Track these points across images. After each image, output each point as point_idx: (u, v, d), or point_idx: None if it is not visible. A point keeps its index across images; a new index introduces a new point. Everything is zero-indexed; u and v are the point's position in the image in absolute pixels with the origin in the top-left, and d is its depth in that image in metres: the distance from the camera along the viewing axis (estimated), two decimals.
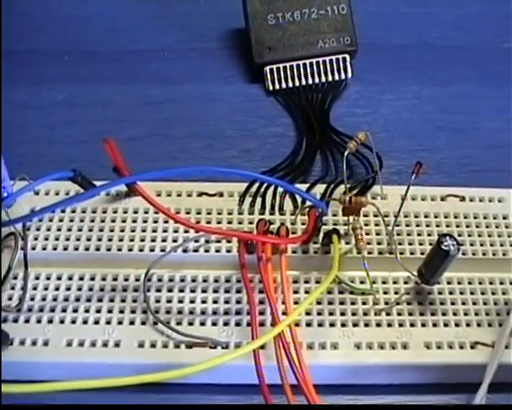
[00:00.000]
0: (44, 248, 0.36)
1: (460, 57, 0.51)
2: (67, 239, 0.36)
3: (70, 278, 0.35)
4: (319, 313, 0.34)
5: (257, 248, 0.34)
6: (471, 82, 0.49)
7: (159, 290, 0.35)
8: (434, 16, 0.54)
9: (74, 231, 0.37)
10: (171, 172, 0.33)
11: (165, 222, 0.37)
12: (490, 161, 0.44)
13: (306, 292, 0.35)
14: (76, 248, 0.36)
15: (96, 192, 0.37)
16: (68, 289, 0.35)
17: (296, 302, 0.35)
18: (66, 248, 0.36)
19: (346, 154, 0.36)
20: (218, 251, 0.36)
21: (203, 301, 0.35)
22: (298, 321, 0.34)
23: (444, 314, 0.35)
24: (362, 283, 0.36)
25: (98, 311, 0.34)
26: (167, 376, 0.29)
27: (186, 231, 0.37)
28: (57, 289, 0.35)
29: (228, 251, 0.36)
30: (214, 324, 0.34)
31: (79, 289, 0.35)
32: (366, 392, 0.34)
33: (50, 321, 0.34)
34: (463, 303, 0.35)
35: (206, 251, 0.36)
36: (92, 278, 0.35)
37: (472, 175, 0.43)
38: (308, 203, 0.37)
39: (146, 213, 0.37)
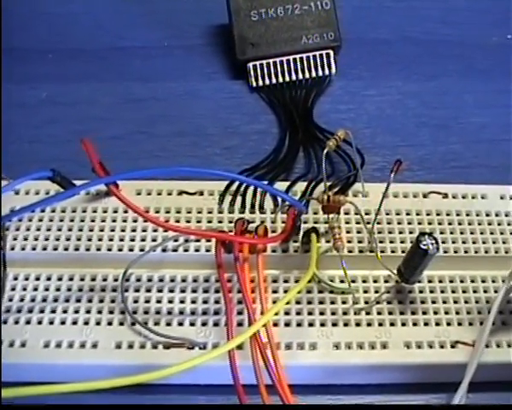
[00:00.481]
0: (23, 249, 0.36)
1: (445, 52, 0.51)
2: (47, 239, 0.36)
3: (48, 279, 0.35)
4: (298, 313, 0.34)
5: (234, 248, 0.34)
6: (456, 77, 0.49)
7: (137, 290, 0.35)
8: (420, 10, 0.54)
9: (54, 231, 0.36)
10: (148, 172, 0.32)
11: (145, 221, 0.37)
12: (474, 157, 0.44)
13: (286, 291, 0.35)
14: (55, 249, 0.36)
15: (75, 192, 0.37)
16: (47, 289, 0.35)
17: (275, 302, 0.34)
18: (45, 249, 0.36)
19: (325, 152, 0.36)
20: (197, 250, 0.36)
21: (181, 301, 0.35)
22: (276, 321, 0.34)
23: (424, 313, 0.35)
24: (342, 282, 0.35)
25: (76, 311, 0.34)
26: (142, 378, 0.29)
27: (165, 231, 0.36)
28: (35, 289, 0.35)
29: (207, 250, 0.36)
30: (192, 324, 0.34)
31: (58, 289, 0.35)
32: (346, 392, 0.34)
33: (28, 322, 0.34)
34: (444, 302, 0.35)
35: (186, 250, 0.36)
36: (71, 279, 0.35)
37: (456, 171, 0.43)
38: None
39: (126, 212, 0.37)
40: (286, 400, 0.30)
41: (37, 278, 0.35)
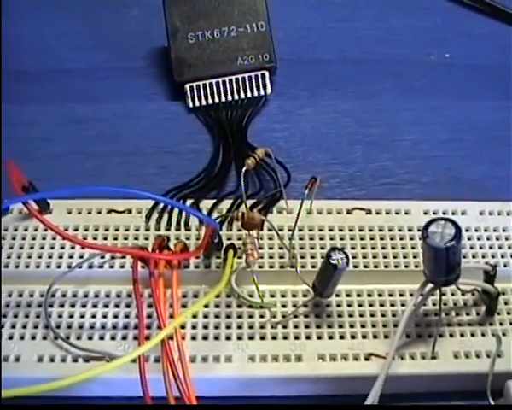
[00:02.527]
0: None
1: (384, 71, 0.52)
2: None
3: None
4: (216, 327, 0.35)
5: (149, 264, 0.35)
6: (393, 95, 0.50)
7: (62, 306, 0.36)
8: (360, 31, 0.55)
9: None
10: (68, 191, 0.33)
11: None
12: (405, 173, 0.45)
13: (206, 307, 0.36)
14: None
15: None
16: None
17: (195, 316, 0.36)
18: None
19: (243, 170, 0.37)
20: (122, 267, 0.37)
21: (104, 316, 0.36)
22: (194, 335, 0.35)
23: (341, 327, 0.36)
24: (261, 297, 0.36)
25: (1, 327, 0.35)
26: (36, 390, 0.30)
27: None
28: None
29: (132, 267, 0.36)
30: (113, 338, 0.35)
31: None
32: (264, 402, 0.34)
33: None
34: (361, 315, 0.36)
35: (111, 267, 0.37)
36: None
37: (386, 187, 0.44)
38: None
39: None
40: None
41: None
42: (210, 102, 0.48)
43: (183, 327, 0.35)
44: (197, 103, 0.48)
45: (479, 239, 0.39)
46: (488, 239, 0.39)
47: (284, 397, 0.35)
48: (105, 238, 0.38)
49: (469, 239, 0.39)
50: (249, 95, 0.48)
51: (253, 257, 0.35)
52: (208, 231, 0.36)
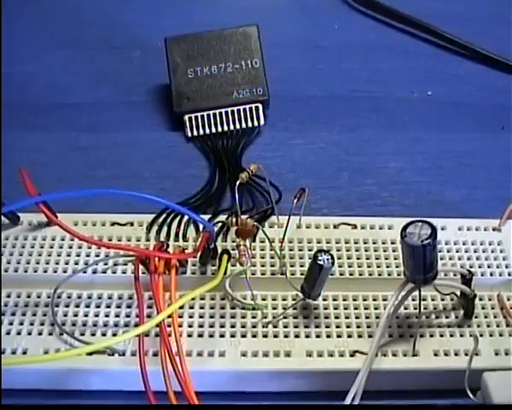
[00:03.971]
0: None
1: (369, 107, 0.55)
2: None
3: None
4: (211, 326, 0.38)
5: (150, 265, 0.37)
6: (377, 128, 0.53)
7: (67, 306, 0.38)
8: (348, 71, 0.58)
9: None
10: (79, 193, 0.36)
11: (79, 247, 0.41)
12: (389, 196, 0.48)
13: (201, 308, 0.38)
14: None
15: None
16: None
17: (191, 316, 0.38)
18: None
19: (237, 183, 0.40)
20: (124, 273, 0.40)
21: (106, 315, 0.38)
22: (190, 333, 0.37)
23: (327, 327, 0.38)
24: (253, 300, 0.39)
25: (11, 323, 0.37)
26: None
27: (97, 255, 0.40)
28: None
29: (133, 272, 0.39)
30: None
31: None
32: (256, 399, 0.36)
33: None
34: (347, 317, 0.38)
35: (114, 272, 0.40)
36: (8, 296, 0.38)
37: (371, 209, 0.47)
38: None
39: (62, 240, 0.41)
40: (192, 401, 0.33)
41: None
42: (207, 131, 0.51)
43: (180, 326, 0.37)
44: (195, 133, 0.51)
45: (457, 251, 0.42)
46: (466, 251, 0.42)
47: (275, 393, 0.37)
48: (108, 248, 0.41)
49: (448, 251, 0.42)
50: (243, 126, 0.51)
51: (246, 257, 0.37)
52: (204, 237, 0.39)
